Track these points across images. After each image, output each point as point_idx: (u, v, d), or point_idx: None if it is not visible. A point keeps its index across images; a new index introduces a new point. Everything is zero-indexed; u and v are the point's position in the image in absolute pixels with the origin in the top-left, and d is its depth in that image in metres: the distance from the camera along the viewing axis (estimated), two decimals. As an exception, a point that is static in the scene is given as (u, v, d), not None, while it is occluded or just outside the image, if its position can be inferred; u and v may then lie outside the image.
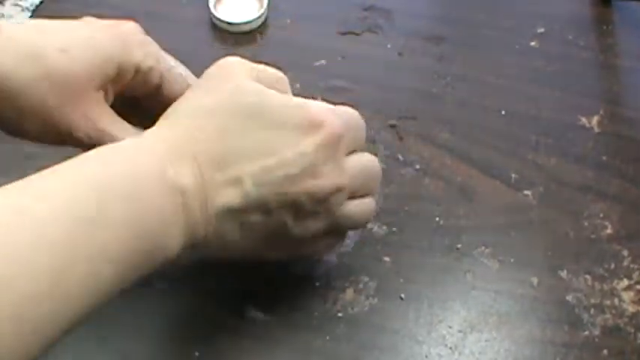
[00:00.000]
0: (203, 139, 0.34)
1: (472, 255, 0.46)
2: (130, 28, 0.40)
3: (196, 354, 0.41)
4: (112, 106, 0.40)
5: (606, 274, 0.45)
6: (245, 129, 0.35)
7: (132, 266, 0.31)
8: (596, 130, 0.53)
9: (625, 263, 0.46)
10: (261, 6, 0.60)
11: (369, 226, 0.47)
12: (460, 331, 0.43)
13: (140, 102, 0.41)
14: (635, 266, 0.45)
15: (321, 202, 0.36)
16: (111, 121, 0.39)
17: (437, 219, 0.47)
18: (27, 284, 0.26)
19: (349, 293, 0.44)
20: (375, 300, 0.44)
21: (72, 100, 0.37)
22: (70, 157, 0.32)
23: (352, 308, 0.43)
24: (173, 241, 0.32)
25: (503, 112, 0.54)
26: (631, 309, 0.44)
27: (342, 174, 0.36)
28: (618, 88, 0.56)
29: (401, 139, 0.52)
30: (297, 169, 0.35)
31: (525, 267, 0.45)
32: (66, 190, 0.29)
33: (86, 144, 0.38)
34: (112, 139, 0.38)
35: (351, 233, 0.46)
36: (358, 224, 0.41)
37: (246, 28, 0.59)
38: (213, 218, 0.34)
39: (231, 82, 0.36)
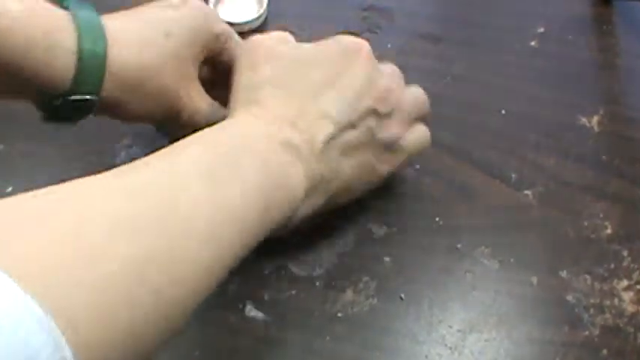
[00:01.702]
0: (279, 101, 0.39)
1: (472, 255, 0.46)
2: (198, 3, 0.45)
3: (196, 354, 0.41)
4: None
5: (606, 274, 0.45)
6: (303, 77, 0.40)
7: (272, 210, 0.35)
8: (596, 130, 0.53)
9: (625, 263, 0.46)
10: (261, 6, 0.60)
11: (369, 226, 0.47)
12: (460, 331, 0.43)
13: (210, 63, 0.46)
14: (635, 266, 0.45)
15: (387, 101, 0.42)
16: (202, 98, 0.44)
17: (437, 219, 0.47)
18: (183, 232, 0.30)
19: (349, 293, 0.44)
20: (375, 300, 0.44)
21: (182, 79, 0.42)
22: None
23: (352, 308, 0.43)
24: (298, 187, 0.38)
25: (503, 112, 0.54)
26: (631, 309, 0.44)
27: (384, 78, 0.43)
28: (618, 88, 0.56)
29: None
30: (358, 84, 0.41)
31: (525, 267, 0.45)
32: (199, 157, 0.34)
33: (183, 122, 0.43)
34: (203, 117, 0.44)
35: (350, 233, 0.46)
36: (423, 110, 0.46)
37: (246, 28, 0.59)
38: (320, 154, 0.39)
39: (268, 53, 0.41)
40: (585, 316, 0.43)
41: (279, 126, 0.38)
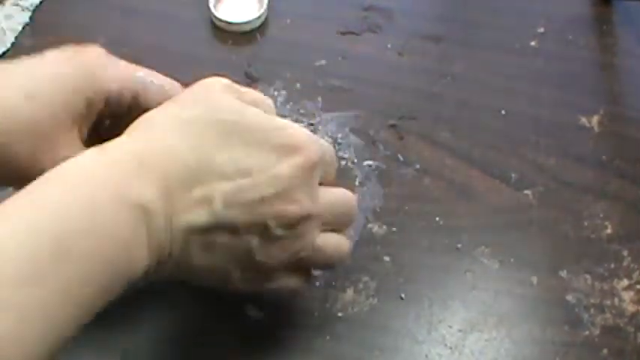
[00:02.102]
0: (175, 154, 0.33)
1: (472, 255, 0.46)
2: (93, 53, 0.39)
3: (196, 354, 0.41)
4: (93, 133, 0.39)
5: (606, 274, 0.45)
6: (220, 146, 0.34)
7: (96, 295, 0.30)
8: (596, 129, 0.53)
9: (625, 263, 0.46)
10: (261, 6, 0.60)
11: (369, 226, 0.47)
12: (460, 331, 0.43)
13: (119, 122, 0.39)
14: (635, 266, 0.45)
15: (290, 228, 0.35)
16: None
17: (437, 219, 0.47)
18: None
19: (349, 293, 0.44)
20: (375, 300, 0.44)
21: (43, 146, 0.36)
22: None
23: (352, 308, 0.43)
24: (138, 264, 0.31)
25: (503, 112, 0.54)
26: (631, 309, 0.44)
27: (314, 201, 0.35)
28: (618, 88, 0.56)
29: (401, 139, 0.52)
30: (269, 192, 0.34)
31: (525, 267, 0.45)
32: (28, 224, 0.28)
33: None
34: None
35: (350, 233, 0.46)
36: (329, 260, 0.38)
37: (246, 28, 0.59)
38: (179, 237, 0.33)
39: (210, 98, 0.35)
40: (585, 315, 0.43)
41: (150, 180, 0.32)
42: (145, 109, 0.36)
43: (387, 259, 0.45)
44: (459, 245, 0.46)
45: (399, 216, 0.47)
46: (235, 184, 0.33)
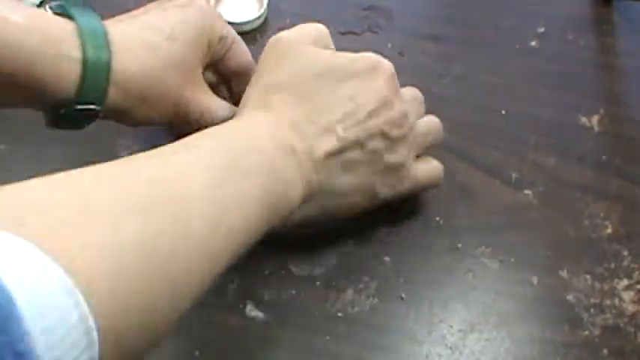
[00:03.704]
0: (289, 107, 0.40)
1: (472, 255, 0.46)
2: (203, 3, 0.45)
3: (196, 354, 0.41)
4: None
5: (606, 274, 0.45)
6: (318, 88, 0.40)
7: (268, 210, 0.36)
8: (596, 129, 0.53)
9: (625, 263, 0.46)
10: (261, 6, 0.60)
11: (369, 226, 0.47)
12: (460, 331, 0.43)
13: (214, 67, 0.47)
14: (635, 266, 0.45)
15: (400, 126, 0.42)
16: (209, 97, 0.45)
17: (437, 219, 0.47)
18: (185, 229, 0.30)
19: (349, 293, 0.44)
20: (376, 300, 0.44)
21: (186, 82, 0.43)
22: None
23: (352, 308, 0.43)
24: (296, 191, 0.38)
25: (503, 112, 0.54)
26: (631, 308, 0.44)
27: (405, 102, 0.43)
28: (618, 88, 0.56)
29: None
30: (372, 106, 0.40)
31: (525, 267, 0.45)
32: (206, 152, 0.34)
33: (191, 120, 0.44)
34: (212, 115, 0.44)
35: (350, 233, 0.46)
36: (435, 138, 0.46)
37: (246, 28, 0.59)
38: (320, 166, 0.40)
39: (291, 56, 0.41)
40: (585, 315, 0.43)
41: (285, 130, 0.39)
42: (234, 60, 0.46)
43: (387, 259, 0.45)
44: (459, 245, 0.46)
45: (399, 216, 0.47)
46: (344, 110, 0.40)
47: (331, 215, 0.42)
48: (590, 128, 0.53)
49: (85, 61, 0.37)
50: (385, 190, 0.43)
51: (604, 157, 0.51)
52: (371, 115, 0.40)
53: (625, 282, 0.45)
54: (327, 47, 0.44)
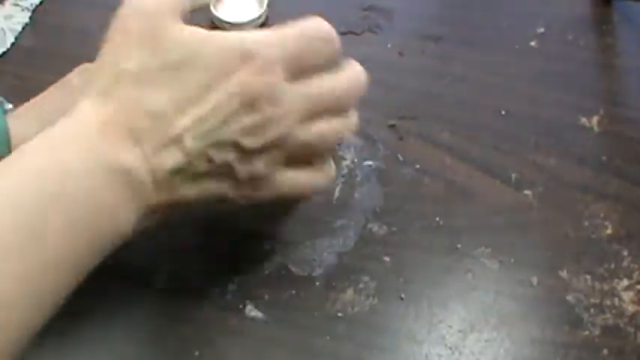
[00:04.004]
0: (133, 107, 0.33)
1: (472, 255, 0.46)
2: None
3: (196, 354, 0.41)
4: None
5: (606, 274, 0.45)
6: (173, 83, 0.33)
7: (86, 259, 0.31)
8: (596, 130, 0.53)
9: (625, 263, 0.46)
10: (261, 6, 0.60)
11: (369, 226, 0.47)
12: (460, 331, 0.43)
13: None
14: (635, 266, 0.45)
15: (258, 136, 0.34)
16: None
17: (437, 219, 0.47)
18: None
19: (349, 293, 0.44)
20: (375, 300, 0.44)
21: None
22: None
23: (352, 308, 0.43)
24: (125, 221, 0.32)
25: (503, 112, 0.54)
26: (631, 309, 0.44)
27: (278, 102, 0.34)
28: (618, 88, 0.56)
29: (401, 139, 0.52)
30: (230, 109, 0.33)
31: (525, 267, 0.45)
32: (7, 198, 0.29)
33: None
34: None
35: (350, 233, 0.46)
36: (325, 150, 0.38)
37: (246, 28, 0.59)
38: (164, 182, 0.33)
39: (147, 36, 0.34)
40: (585, 316, 0.43)
41: (120, 143, 0.32)
42: None
43: (387, 259, 0.45)
44: (459, 245, 0.46)
45: (399, 216, 0.47)
46: (196, 114, 0.33)
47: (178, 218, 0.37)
48: (590, 128, 0.53)
49: None
50: (239, 200, 0.37)
51: (604, 158, 0.51)
52: (227, 121, 0.33)
53: (625, 282, 0.45)
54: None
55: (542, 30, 0.60)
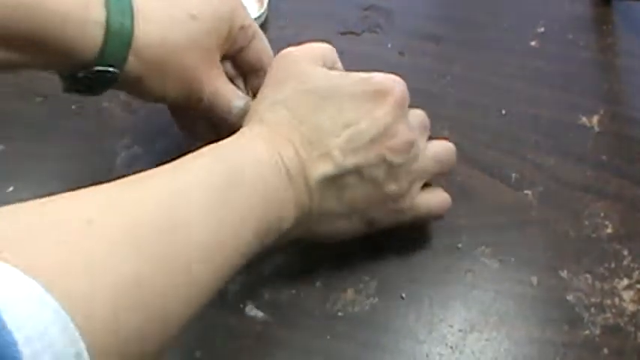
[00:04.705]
0: (290, 126, 0.39)
1: (472, 254, 0.46)
2: None
3: (196, 354, 0.41)
4: None
5: (606, 274, 0.45)
6: (321, 110, 0.39)
7: (260, 232, 0.35)
8: (596, 129, 0.53)
9: (625, 262, 0.46)
10: (261, 6, 0.60)
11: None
12: (460, 331, 0.43)
13: (233, 59, 0.46)
14: (635, 265, 0.45)
15: (403, 154, 0.40)
16: (224, 82, 0.44)
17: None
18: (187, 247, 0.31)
19: (350, 293, 0.44)
20: (376, 299, 0.44)
21: (203, 62, 0.42)
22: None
23: (353, 308, 0.43)
24: (287, 213, 0.37)
25: (503, 112, 0.54)
26: (631, 308, 0.44)
27: (411, 129, 0.41)
28: (618, 88, 0.56)
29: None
30: (374, 133, 0.39)
31: (525, 266, 0.45)
32: (205, 172, 0.34)
33: (204, 105, 0.43)
34: (226, 100, 0.43)
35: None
36: (443, 167, 0.44)
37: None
38: (315, 189, 0.39)
39: (297, 73, 0.41)
40: (586, 315, 0.43)
41: (282, 151, 0.38)
42: (255, 51, 0.45)
43: (387, 259, 0.45)
44: (460, 245, 0.46)
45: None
46: (345, 135, 0.39)
47: (320, 240, 0.42)
48: (590, 128, 0.53)
49: (108, 27, 0.38)
50: (382, 219, 0.42)
51: (604, 157, 0.51)
52: (373, 141, 0.39)
53: (625, 281, 0.45)
54: (333, 66, 0.43)
55: (542, 30, 0.60)
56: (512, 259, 0.46)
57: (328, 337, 0.42)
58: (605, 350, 0.42)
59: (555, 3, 0.62)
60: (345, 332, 0.42)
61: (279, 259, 0.45)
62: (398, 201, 0.41)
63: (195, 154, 0.36)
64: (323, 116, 0.39)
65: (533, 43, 0.59)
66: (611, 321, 0.43)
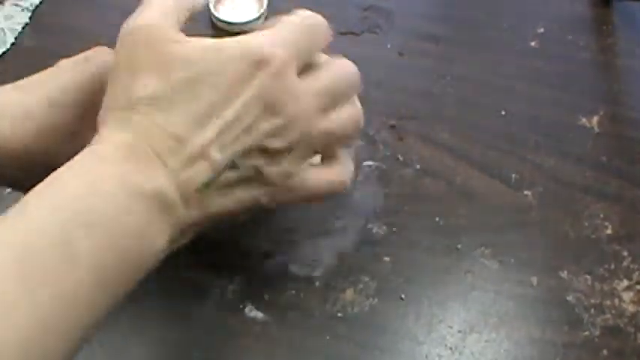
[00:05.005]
0: (153, 131, 0.32)
1: (472, 255, 0.46)
2: (101, 57, 0.40)
3: (196, 354, 0.41)
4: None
5: (606, 275, 0.45)
6: (196, 95, 0.33)
7: (121, 281, 0.31)
8: (596, 130, 0.53)
9: (625, 263, 0.46)
10: (261, 6, 0.60)
11: (369, 226, 0.47)
12: (460, 332, 0.43)
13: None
14: (635, 266, 0.45)
15: (285, 136, 0.34)
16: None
17: (437, 219, 0.47)
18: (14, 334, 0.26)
19: (349, 293, 0.44)
20: (376, 300, 0.44)
21: (64, 148, 0.37)
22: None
23: (352, 308, 0.43)
24: (157, 242, 0.32)
25: (503, 112, 0.54)
26: (631, 309, 0.44)
27: (298, 100, 0.35)
28: (618, 88, 0.56)
29: (401, 139, 0.52)
30: (252, 116, 0.33)
31: (525, 267, 0.45)
32: (34, 226, 0.29)
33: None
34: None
35: (350, 233, 0.46)
36: (347, 137, 0.38)
37: (246, 28, 0.59)
38: (194, 200, 0.33)
39: (160, 55, 0.33)
40: (585, 316, 0.43)
41: (146, 165, 0.32)
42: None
43: (387, 259, 0.45)
44: (459, 246, 0.46)
45: (399, 216, 0.47)
46: (216, 127, 0.33)
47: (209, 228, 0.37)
48: (590, 128, 0.53)
49: None
50: (269, 202, 0.37)
51: (604, 158, 0.51)
52: (250, 127, 0.33)
53: (625, 282, 0.45)
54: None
55: (542, 30, 0.60)
56: (512, 260, 0.46)
57: (328, 337, 0.42)
58: (605, 351, 0.42)
59: (555, 3, 0.62)
60: (344, 333, 0.42)
61: (279, 259, 0.45)
62: (284, 182, 0.36)
63: (37, 190, 0.30)
64: (191, 108, 0.33)
65: (533, 43, 0.59)
66: (610, 322, 0.43)
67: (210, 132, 0.33)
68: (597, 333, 0.42)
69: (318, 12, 0.63)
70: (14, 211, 0.29)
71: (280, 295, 0.44)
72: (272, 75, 0.33)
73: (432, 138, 0.52)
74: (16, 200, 0.29)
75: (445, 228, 0.47)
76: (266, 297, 0.44)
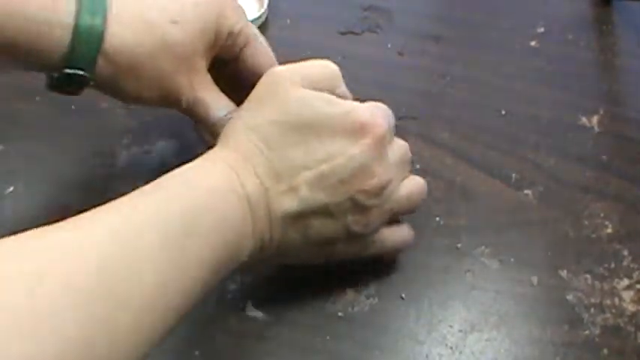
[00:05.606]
0: (259, 154, 0.37)
1: (472, 255, 0.46)
2: None
3: (196, 353, 0.41)
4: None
5: (606, 274, 0.45)
6: (294, 142, 0.37)
7: (218, 270, 0.34)
8: (596, 130, 0.53)
9: (625, 263, 0.46)
10: (261, 6, 0.60)
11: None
12: (460, 331, 0.43)
13: (226, 65, 0.45)
14: (635, 266, 0.45)
15: (376, 197, 0.38)
16: (207, 89, 0.43)
17: (437, 219, 0.47)
18: (136, 298, 0.29)
19: (349, 293, 0.44)
20: (376, 300, 0.44)
21: (183, 68, 0.41)
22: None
23: (353, 308, 0.43)
24: (246, 246, 0.36)
25: (503, 112, 0.54)
26: (631, 308, 0.44)
27: (388, 169, 0.39)
28: (618, 88, 0.56)
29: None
30: (347, 173, 0.37)
31: (525, 267, 0.45)
32: (158, 209, 0.32)
33: (183, 108, 0.43)
34: (205, 108, 0.42)
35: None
36: (416, 203, 0.42)
37: (246, 28, 0.59)
38: (277, 223, 0.37)
39: (278, 98, 0.38)
40: (586, 315, 0.43)
41: (248, 182, 0.36)
42: (251, 59, 0.44)
43: (387, 259, 0.45)
44: (459, 245, 0.46)
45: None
46: (316, 171, 0.37)
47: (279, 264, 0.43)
48: (590, 128, 0.53)
49: (77, 27, 0.37)
50: (344, 253, 0.41)
51: (604, 157, 0.51)
52: (343, 181, 0.37)
53: (625, 282, 0.45)
54: (333, 90, 0.40)
55: (542, 30, 0.60)
56: (512, 259, 0.46)
57: (328, 337, 0.42)
58: (605, 350, 0.42)
59: (555, 3, 0.62)
60: (344, 332, 0.42)
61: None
62: (364, 239, 0.40)
63: (154, 185, 0.34)
64: (295, 149, 0.37)
65: (533, 43, 0.59)
66: (611, 321, 0.43)
67: (308, 174, 0.37)
68: (597, 332, 0.42)
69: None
70: (152, 185, 0.34)
71: (280, 295, 0.44)
72: (374, 140, 0.38)
73: (432, 138, 0.52)
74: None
75: (445, 228, 0.47)
76: (266, 297, 0.44)
